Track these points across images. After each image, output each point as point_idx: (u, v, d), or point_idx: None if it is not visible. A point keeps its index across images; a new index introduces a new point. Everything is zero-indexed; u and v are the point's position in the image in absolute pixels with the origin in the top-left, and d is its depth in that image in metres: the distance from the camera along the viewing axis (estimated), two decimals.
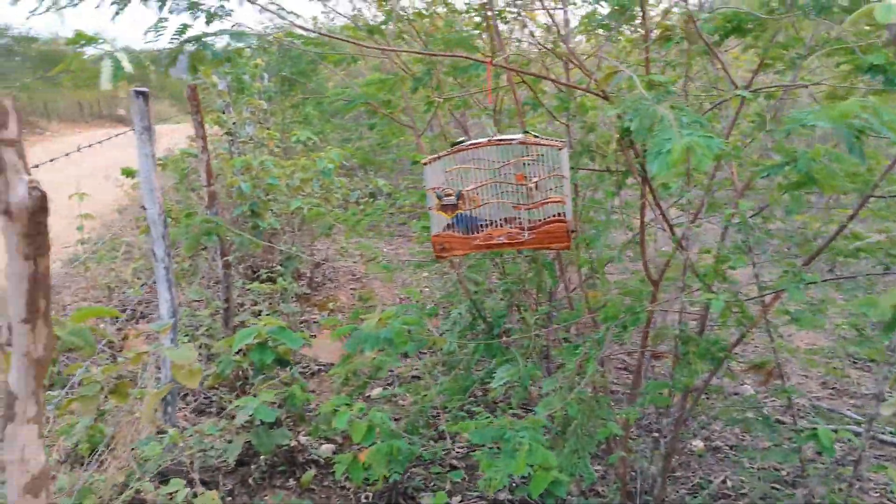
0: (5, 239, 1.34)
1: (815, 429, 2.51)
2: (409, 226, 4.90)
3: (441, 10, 3.35)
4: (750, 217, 2.42)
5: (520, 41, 3.61)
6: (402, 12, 3.19)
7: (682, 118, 1.48)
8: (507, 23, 3.02)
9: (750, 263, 2.57)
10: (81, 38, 1.30)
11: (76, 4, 1.57)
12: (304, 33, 2.53)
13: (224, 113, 5.25)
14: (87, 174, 6.95)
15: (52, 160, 2.15)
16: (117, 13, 1.62)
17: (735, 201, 2.33)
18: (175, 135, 10.71)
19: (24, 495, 1.49)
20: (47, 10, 1.59)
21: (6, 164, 1.31)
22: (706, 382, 2.65)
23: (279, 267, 5.19)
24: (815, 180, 1.86)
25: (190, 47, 1.51)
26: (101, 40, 1.29)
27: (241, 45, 1.63)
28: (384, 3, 3.31)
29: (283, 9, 2.42)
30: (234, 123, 5.21)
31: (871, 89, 2.07)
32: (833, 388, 4.31)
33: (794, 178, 1.94)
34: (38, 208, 1.34)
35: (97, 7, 1.58)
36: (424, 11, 3.33)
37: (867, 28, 2.19)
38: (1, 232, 1.35)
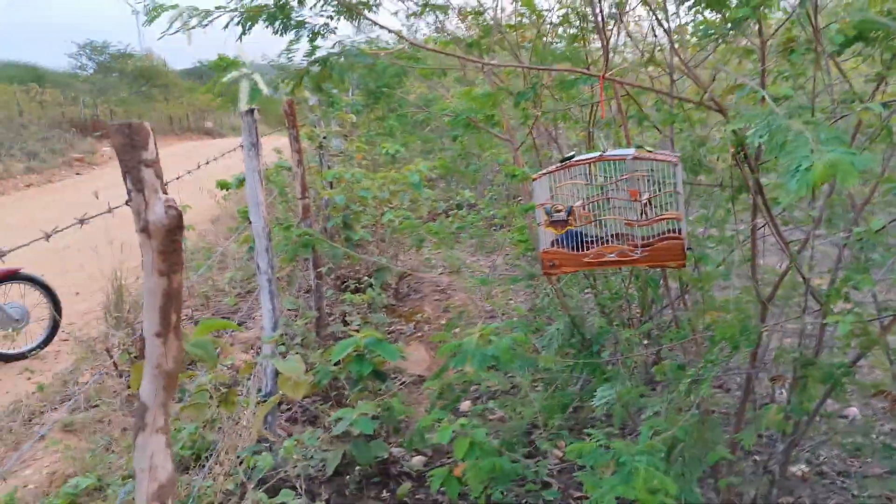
0: (143, 256, 1.39)
1: None
2: (495, 237, 4.88)
3: (527, 20, 3.31)
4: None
5: (615, 52, 3.54)
6: (492, 23, 3.17)
7: (820, 134, 1.41)
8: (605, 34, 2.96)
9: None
10: (224, 62, 1.34)
11: (205, 26, 1.61)
12: (400, 47, 2.54)
13: (315, 127, 5.36)
14: (182, 185, 7.21)
15: (178, 178, 2.24)
16: (242, 33, 1.66)
17: (859, 217, 2.22)
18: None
19: (151, 503, 1.53)
20: (176, 31, 1.63)
21: (146, 184, 1.36)
22: (819, 405, 2.53)
23: (367, 278, 5.24)
24: None
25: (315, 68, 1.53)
26: (242, 64, 1.32)
27: (361, 63, 1.64)
28: (465, 18, 3.30)
29: (375, 24, 2.44)
30: (324, 137, 5.32)
31: None
32: None
33: None
34: (175, 226, 1.39)
35: (225, 27, 1.62)
36: (514, 24, 3.30)
37: None
38: (139, 249, 1.39)
